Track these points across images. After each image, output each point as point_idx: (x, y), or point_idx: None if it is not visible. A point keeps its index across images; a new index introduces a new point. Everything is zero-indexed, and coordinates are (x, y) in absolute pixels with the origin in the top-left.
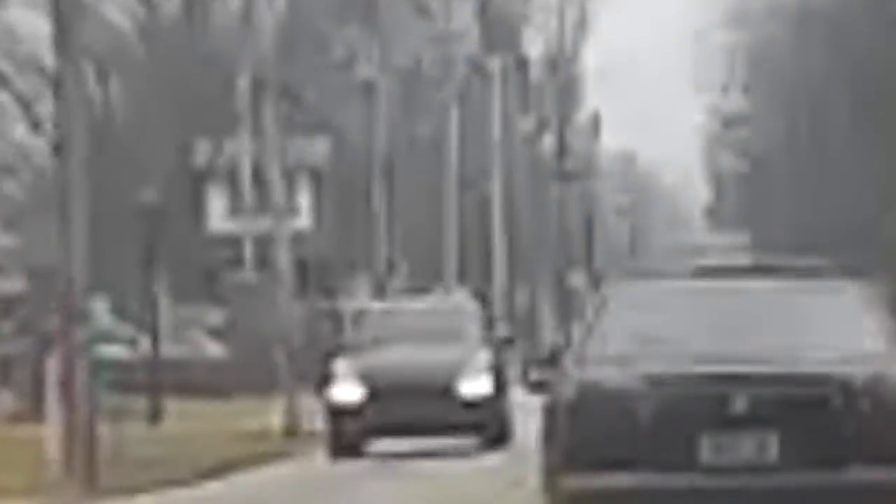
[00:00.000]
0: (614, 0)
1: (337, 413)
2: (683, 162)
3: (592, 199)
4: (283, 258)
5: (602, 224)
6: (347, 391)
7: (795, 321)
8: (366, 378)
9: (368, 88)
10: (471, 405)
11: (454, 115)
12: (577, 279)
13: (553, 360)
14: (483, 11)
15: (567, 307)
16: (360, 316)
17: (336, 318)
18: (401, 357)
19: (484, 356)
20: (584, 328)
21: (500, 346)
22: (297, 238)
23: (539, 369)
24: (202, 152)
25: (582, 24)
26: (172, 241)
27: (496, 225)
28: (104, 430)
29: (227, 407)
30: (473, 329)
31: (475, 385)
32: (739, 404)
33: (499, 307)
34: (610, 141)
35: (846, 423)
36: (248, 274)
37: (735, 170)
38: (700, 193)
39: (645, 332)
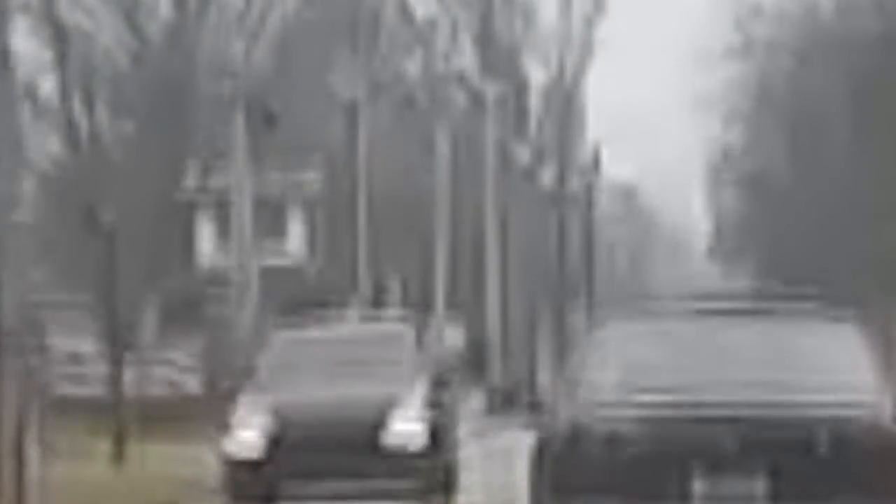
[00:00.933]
0: (618, 30)
1: (233, 465)
2: (685, 194)
3: (592, 231)
4: (253, 290)
5: (601, 258)
6: (245, 438)
7: (789, 363)
8: (270, 422)
9: (352, 109)
10: (400, 455)
11: (444, 140)
12: (577, 314)
13: (542, 404)
14: (483, 36)
15: (566, 343)
16: (270, 344)
17: None
18: (315, 396)
19: (419, 393)
20: (576, 366)
21: (444, 381)
22: (290, 269)
23: (531, 412)
24: (191, 182)
25: (585, 53)
26: (162, 272)
27: (490, 255)
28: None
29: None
30: (408, 361)
31: (406, 430)
32: (730, 447)
33: (493, 340)
34: (611, 170)
35: (836, 467)
36: (222, 307)
37: (736, 201)
38: (701, 226)
39: (637, 371)
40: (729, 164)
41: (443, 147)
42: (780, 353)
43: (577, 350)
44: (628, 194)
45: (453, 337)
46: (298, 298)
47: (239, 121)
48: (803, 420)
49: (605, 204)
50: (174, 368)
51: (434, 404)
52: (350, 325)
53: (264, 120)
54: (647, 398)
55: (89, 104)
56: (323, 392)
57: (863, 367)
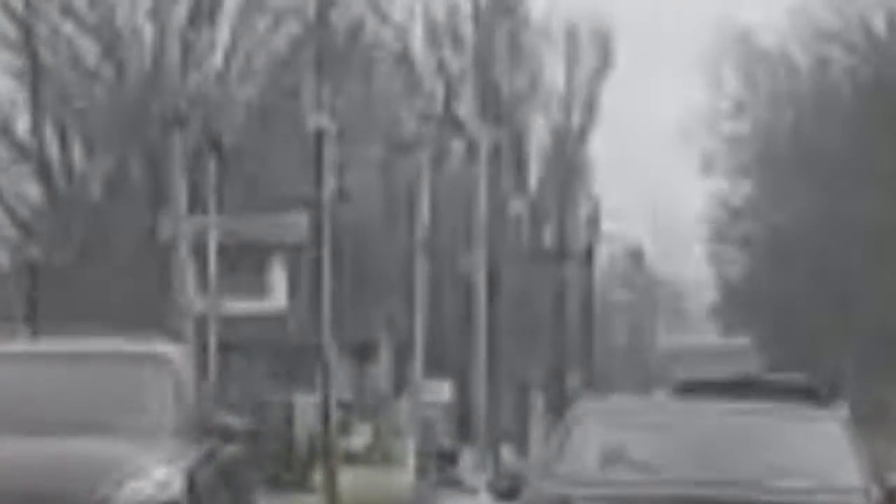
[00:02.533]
0: (622, 87)
1: None
2: (690, 260)
3: (592, 293)
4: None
5: (601, 322)
6: None
7: (771, 448)
8: None
9: (319, 139)
10: None
11: (426, 182)
12: (575, 381)
13: (519, 476)
14: (483, 87)
15: (563, 410)
16: None
17: (288, 411)
18: None
19: (161, 457)
20: (554, 446)
21: (218, 441)
22: (272, 319)
23: (506, 482)
24: (167, 225)
25: (590, 108)
26: (143, 317)
27: (480, 312)
28: None
29: None
30: (154, 405)
31: None
32: None
33: (482, 407)
34: (612, 228)
35: None
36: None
37: (741, 266)
38: (706, 295)
39: (615, 452)
40: (733, 223)
41: (423, 199)
42: (765, 437)
43: (558, 431)
44: (634, 257)
45: (439, 391)
46: (278, 352)
47: (211, 165)
48: None
49: (607, 265)
50: None
51: (185, 474)
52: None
53: (211, 147)
54: (624, 478)
55: (63, 140)
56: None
57: (849, 455)
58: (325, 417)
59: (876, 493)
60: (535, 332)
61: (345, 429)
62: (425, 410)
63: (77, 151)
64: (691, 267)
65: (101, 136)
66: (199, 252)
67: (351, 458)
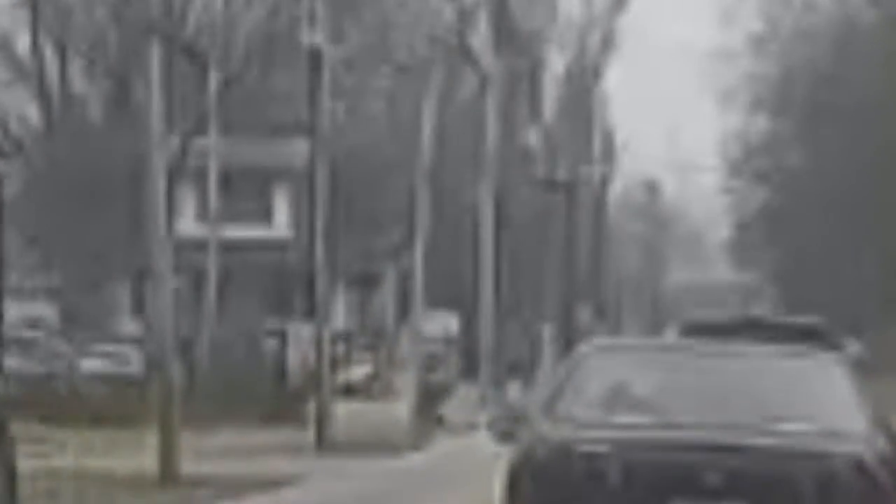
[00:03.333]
0: (639, 22)
1: None
2: (706, 194)
3: (603, 226)
4: (162, 263)
5: (614, 255)
6: None
7: (777, 391)
8: None
9: (315, 58)
10: None
11: (430, 108)
12: (585, 314)
13: (520, 416)
14: (499, 17)
15: (572, 344)
16: None
17: (281, 335)
18: None
19: None
20: (557, 385)
21: None
22: (275, 246)
23: (506, 422)
24: (171, 149)
25: (607, 42)
26: (141, 244)
27: (486, 244)
28: None
29: (117, 436)
30: None
31: None
32: (711, 475)
33: (485, 340)
34: (629, 164)
35: (822, 502)
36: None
37: (756, 202)
38: (722, 230)
39: (619, 394)
40: (749, 157)
41: (426, 126)
42: (770, 380)
43: (559, 373)
44: (651, 190)
45: (444, 324)
46: (280, 280)
47: (213, 83)
48: (786, 454)
49: (622, 198)
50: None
51: None
52: None
53: (186, 53)
54: (629, 420)
55: (62, 60)
56: None
57: (851, 407)
58: (317, 349)
59: (881, 438)
60: (546, 265)
61: (345, 360)
62: (430, 344)
63: (76, 73)
64: (706, 201)
65: (101, 57)
66: (200, 177)
67: (351, 391)
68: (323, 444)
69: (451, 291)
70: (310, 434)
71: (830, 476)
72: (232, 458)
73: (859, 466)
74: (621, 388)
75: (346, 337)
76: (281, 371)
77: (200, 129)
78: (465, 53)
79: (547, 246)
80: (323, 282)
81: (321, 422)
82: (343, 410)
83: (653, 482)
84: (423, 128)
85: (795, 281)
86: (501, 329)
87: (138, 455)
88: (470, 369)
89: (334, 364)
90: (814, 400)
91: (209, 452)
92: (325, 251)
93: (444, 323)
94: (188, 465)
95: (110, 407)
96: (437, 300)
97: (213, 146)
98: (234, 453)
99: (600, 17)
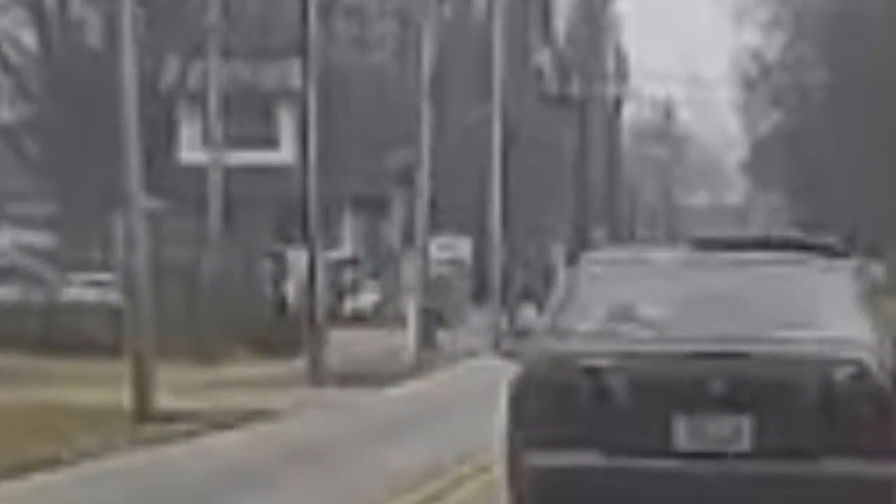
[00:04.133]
0: None
1: None
2: (722, 117)
3: (618, 149)
4: (136, 194)
5: (630, 178)
6: None
7: (781, 302)
8: None
9: None
10: None
11: (431, 24)
12: (599, 236)
13: (525, 333)
14: None
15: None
16: None
17: (279, 262)
18: None
19: None
20: (559, 301)
21: None
22: (281, 171)
23: (513, 340)
24: (171, 73)
25: None
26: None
27: (494, 165)
28: None
29: (97, 368)
30: None
31: None
32: (714, 385)
33: (494, 263)
34: (643, 86)
35: (823, 411)
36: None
37: (772, 123)
38: (739, 152)
39: (621, 308)
40: (765, 75)
41: (427, 44)
42: (775, 291)
43: (564, 285)
44: (665, 111)
45: (458, 248)
46: (283, 207)
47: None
48: (791, 363)
49: (637, 121)
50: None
51: None
52: None
53: None
54: (630, 331)
55: None
56: None
57: (858, 318)
58: (309, 275)
59: (884, 345)
60: (560, 186)
61: (353, 287)
62: (439, 268)
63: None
64: (722, 124)
65: None
66: (203, 102)
67: (359, 318)
68: (317, 374)
69: (464, 215)
70: (304, 364)
71: (832, 382)
72: (220, 391)
73: (861, 372)
74: (621, 301)
75: (354, 262)
76: (280, 299)
77: (201, 51)
78: None
79: (560, 168)
80: (316, 206)
81: (315, 352)
82: (339, 339)
83: (656, 394)
84: (423, 46)
85: (815, 202)
86: (513, 252)
87: (116, 388)
88: (482, 293)
89: (341, 291)
90: (815, 307)
91: (199, 385)
92: (322, 175)
93: (454, 246)
94: (170, 399)
95: (92, 336)
96: (450, 224)
97: (213, 69)
98: (224, 385)
99: None
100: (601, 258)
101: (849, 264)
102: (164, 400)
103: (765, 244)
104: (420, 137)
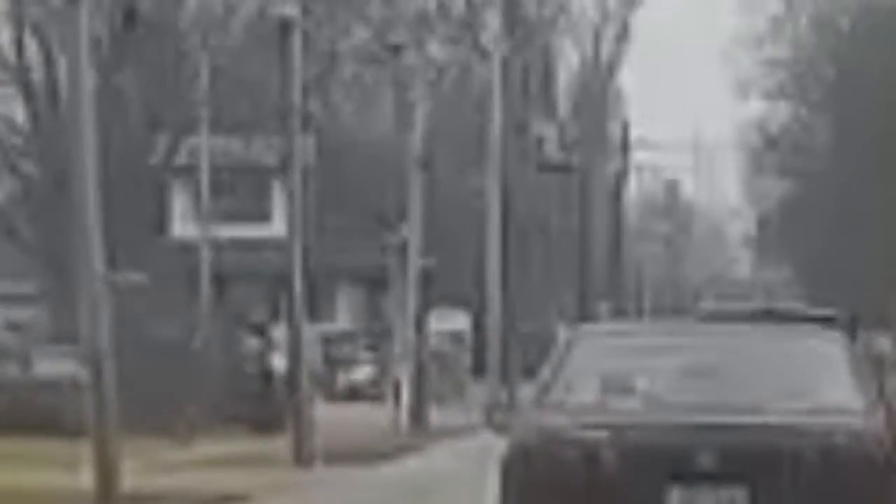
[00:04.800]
0: (654, 15)
1: None
2: (726, 189)
3: (622, 223)
4: (95, 266)
5: (635, 255)
6: None
7: (769, 370)
8: None
9: (285, 30)
10: None
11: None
12: (604, 314)
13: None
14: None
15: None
16: None
17: (264, 336)
18: None
19: None
20: (548, 373)
21: None
22: (274, 246)
23: (504, 413)
24: (161, 149)
25: (622, 37)
26: (132, 246)
27: (492, 242)
28: None
29: (62, 448)
30: None
31: None
32: (707, 457)
33: (493, 338)
34: (645, 158)
35: (818, 480)
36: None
37: (778, 195)
38: (745, 226)
39: (611, 379)
40: (770, 146)
41: (419, 112)
42: (759, 370)
43: (553, 358)
44: (670, 188)
45: (457, 323)
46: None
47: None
48: (785, 433)
49: (639, 196)
50: None
51: None
52: None
53: (125, 18)
54: (619, 405)
55: (48, 58)
56: None
57: (848, 383)
58: (291, 352)
59: (881, 414)
60: (563, 261)
61: (348, 361)
62: (438, 342)
63: (62, 70)
64: (727, 197)
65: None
66: (193, 175)
67: (353, 393)
68: (301, 453)
69: (463, 288)
70: (287, 443)
71: (827, 451)
72: (196, 471)
73: (857, 441)
74: (612, 373)
75: (351, 336)
76: (265, 374)
77: (191, 126)
78: (475, 44)
79: (563, 243)
80: (301, 279)
81: (298, 430)
82: (330, 415)
83: (650, 467)
84: (416, 112)
85: (821, 275)
86: (513, 328)
87: (81, 469)
88: (481, 369)
89: (333, 366)
90: (809, 377)
91: (176, 464)
92: (318, 248)
93: (453, 321)
94: (143, 480)
95: (59, 414)
96: (452, 298)
97: (204, 143)
98: (202, 465)
99: (615, 12)
100: (587, 331)
101: (844, 336)
102: (135, 481)
103: (768, 316)
104: (409, 206)
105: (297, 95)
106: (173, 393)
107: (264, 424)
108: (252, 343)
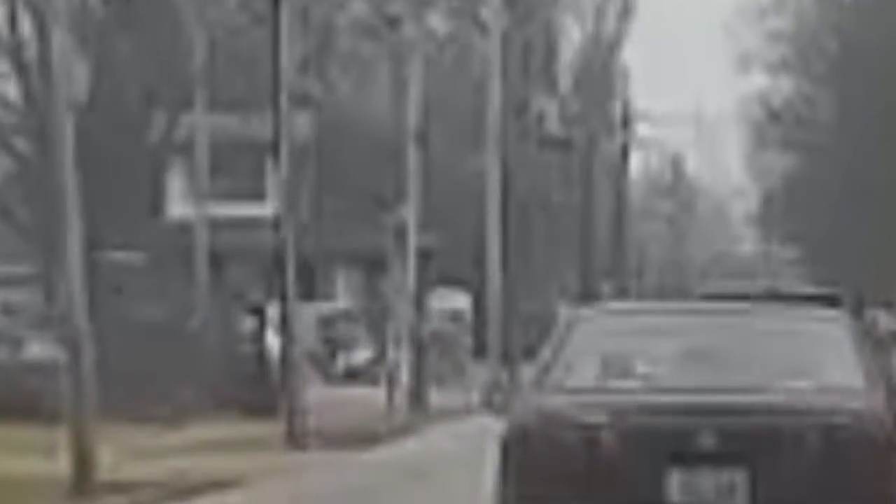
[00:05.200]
0: None
1: None
2: (728, 164)
3: (625, 201)
4: (73, 247)
5: (639, 235)
6: None
7: (769, 349)
8: None
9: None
10: None
11: (419, 60)
12: (607, 293)
13: (516, 388)
14: None
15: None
16: None
17: (260, 316)
18: None
19: None
20: (548, 354)
21: None
22: (269, 225)
23: (505, 395)
24: (158, 127)
25: (625, 13)
26: (129, 226)
27: (492, 219)
28: None
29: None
30: None
31: None
32: (706, 438)
33: (493, 318)
34: (647, 134)
35: (819, 461)
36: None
37: (781, 170)
38: (749, 203)
39: (611, 360)
40: (772, 125)
41: (416, 85)
42: (766, 350)
43: (552, 339)
44: (674, 165)
45: (457, 302)
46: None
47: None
48: (785, 414)
49: (644, 174)
50: None
51: None
52: None
53: None
54: (621, 384)
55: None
56: None
57: (849, 363)
58: (285, 334)
59: (881, 393)
60: (565, 240)
61: (347, 343)
62: (439, 323)
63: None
64: (730, 174)
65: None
66: (189, 153)
67: (352, 375)
68: (295, 436)
69: (464, 268)
70: (280, 426)
71: (828, 431)
72: (186, 456)
73: (858, 421)
74: (612, 354)
75: (350, 317)
76: (259, 355)
77: (187, 102)
78: (475, 19)
79: (564, 221)
80: (293, 258)
81: (291, 413)
82: (327, 397)
83: (649, 448)
84: (411, 86)
85: (826, 253)
86: (513, 308)
87: (61, 456)
88: (482, 350)
89: (334, 347)
90: (809, 356)
91: (165, 449)
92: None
93: (453, 301)
94: (119, 466)
95: (39, 398)
96: (452, 278)
97: (199, 120)
98: (193, 449)
99: None
100: (587, 311)
101: (844, 314)
102: (115, 467)
103: (770, 297)
104: (409, 180)
105: (287, 70)
106: (164, 376)
107: (259, 407)
108: (249, 324)
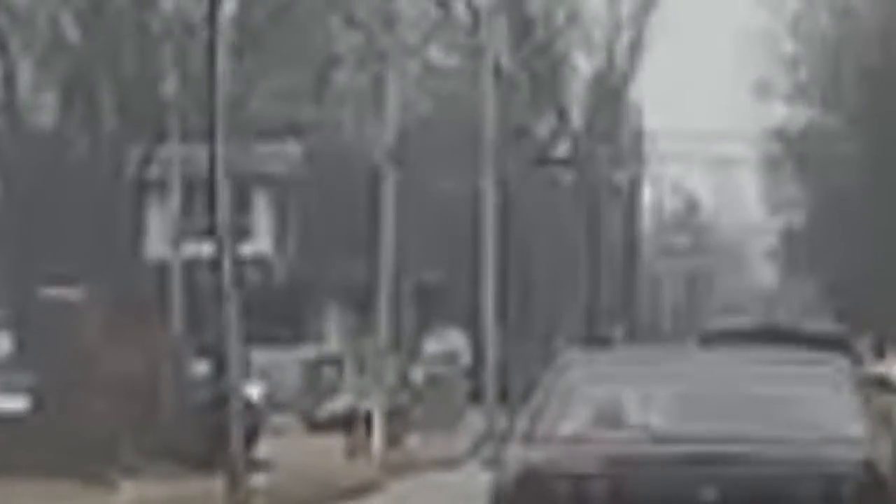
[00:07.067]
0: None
1: None
2: (745, 198)
3: (637, 238)
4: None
5: (652, 270)
6: None
7: (772, 401)
8: None
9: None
10: None
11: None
12: (617, 336)
13: (506, 439)
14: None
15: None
16: None
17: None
18: None
19: None
20: (536, 403)
21: None
22: (253, 261)
23: (492, 447)
24: (134, 162)
25: (637, 46)
26: (106, 266)
27: (486, 250)
28: None
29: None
30: None
31: None
32: (707, 490)
33: (490, 360)
34: (660, 169)
35: None
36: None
37: (801, 205)
38: (767, 239)
39: (603, 409)
40: (789, 151)
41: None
42: (764, 399)
43: (541, 388)
44: (689, 204)
45: (459, 342)
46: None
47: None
48: (786, 465)
49: (656, 210)
50: None
51: None
52: None
53: None
54: (614, 435)
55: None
56: None
57: (847, 415)
58: (229, 380)
59: (882, 444)
60: (571, 281)
61: (332, 388)
62: (433, 366)
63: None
64: (745, 206)
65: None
66: (165, 186)
67: (335, 422)
68: (238, 495)
69: (460, 307)
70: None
71: (831, 483)
72: None
73: (860, 472)
74: (603, 402)
75: (336, 362)
76: (219, 404)
77: (162, 136)
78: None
79: (569, 258)
80: (232, 302)
81: (233, 470)
82: (290, 449)
83: (643, 502)
84: (388, 100)
85: (848, 289)
86: (514, 349)
87: None
88: (480, 394)
89: (318, 394)
90: (807, 406)
91: None
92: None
93: (450, 341)
94: None
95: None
96: (453, 314)
97: (176, 152)
98: None
99: (628, 19)
100: (579, 359)
101: (846, 364)
102: None
103: (770, 334)
104: (383, 205)
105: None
106: (111, 431)
107: (211, 460)
108: (200, 368)
